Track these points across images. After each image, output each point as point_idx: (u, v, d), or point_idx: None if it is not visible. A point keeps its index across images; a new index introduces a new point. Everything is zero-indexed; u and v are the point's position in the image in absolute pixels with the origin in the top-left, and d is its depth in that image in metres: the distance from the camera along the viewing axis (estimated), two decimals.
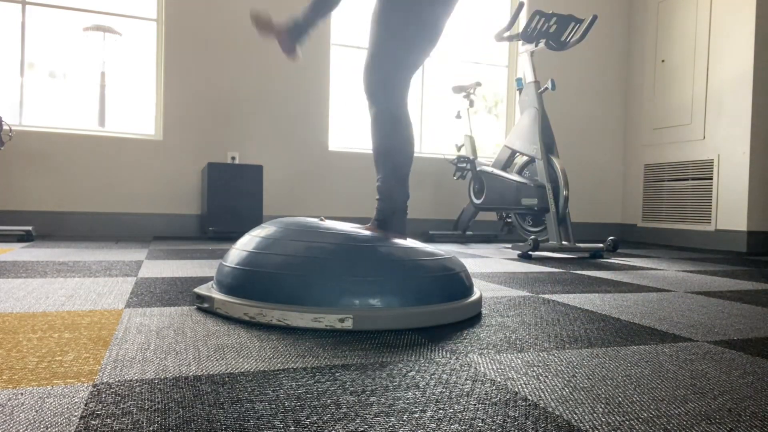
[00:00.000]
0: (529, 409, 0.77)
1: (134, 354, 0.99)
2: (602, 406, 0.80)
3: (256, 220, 3.77)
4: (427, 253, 1.40)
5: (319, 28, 4.34)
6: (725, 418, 0.76)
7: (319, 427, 0.69)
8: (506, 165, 3.81)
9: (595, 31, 5.12)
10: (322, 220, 1.51)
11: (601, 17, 5.15)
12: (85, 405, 0.74)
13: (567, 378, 0.92)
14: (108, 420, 0.69)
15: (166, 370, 0.90)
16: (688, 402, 0.82)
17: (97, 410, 0.72)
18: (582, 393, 0.85)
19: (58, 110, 3.95)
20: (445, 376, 0.91)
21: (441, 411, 0.76)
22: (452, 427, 0.70)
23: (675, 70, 4.66)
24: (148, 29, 4.09)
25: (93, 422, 0.69)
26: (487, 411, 0.76)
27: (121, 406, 0.74)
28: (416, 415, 0.74)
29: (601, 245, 3.24)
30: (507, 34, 3.35)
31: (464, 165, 4.03)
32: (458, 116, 4.24)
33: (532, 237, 3.14)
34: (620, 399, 0.83)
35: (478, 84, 4.13)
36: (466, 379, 0.90)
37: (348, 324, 1.20)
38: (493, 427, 0.71)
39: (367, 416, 0.73)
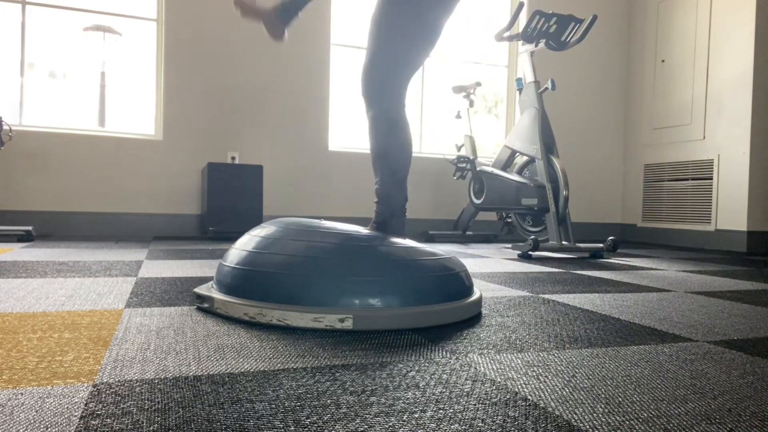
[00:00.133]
0: (529, 409, 0.77)
1: (134, 354, 0.99)
2: (602, 406, 0.80)
3: (256, 220, 3.77)
4: (427, 253, 1.40)
5: (318, 29, 4.34)
6: (725, 418, 0.76)
7: (319, 427, 0.69)
8: (506, 165, 3.81)
9: (595, 31, 5.13)
10: (321, 221, 1.51)
11: (601, 17, 5.15)
12: (85, 405, 0.74)
13: (567, 378, 0.92)
14: (108, 420, 0.69)
15: (166, 370, 0.90)
16: (688, 402, 0.82)
17: (97, 410, 0.72)
18: (582, 393, 0.85)
19: (58, 110, 3.95)
20: (445, 376, 0.91)
21: (441, 411, 0.76)
22: (452, 427, 0.70)
23: (675, 70, 4.66)
24: (148, 29, 4.09)
25: (93, 422, 0.69)
26: (487, 411, 0.76)
27: (121, 406, 0.74)
28: (416, 415, 0.74)
29: (601, 245, 3.24)
30: (507, 34, 3.35)
31: (464, 165, 4.03)
32: (458, 116, 4.24)
33: (532, 237, 3.14)
34: (620, 399, 0.83)
35: (478, 84, 4.14)
36: (466, 379, 0.90)
37: (348, 324, 1.20)
38: (493, 427, 0.71)
39: (367, 416, 0.73)
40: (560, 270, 2.50)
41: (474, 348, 1.10)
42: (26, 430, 0.66)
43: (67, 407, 0.73)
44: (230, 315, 1.29)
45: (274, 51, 4.25)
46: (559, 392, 0.85)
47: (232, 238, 3.88)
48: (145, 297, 1.54)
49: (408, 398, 0.80)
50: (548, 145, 3.38)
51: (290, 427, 0.69)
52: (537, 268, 2.53)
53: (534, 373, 0.94)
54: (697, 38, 4.45)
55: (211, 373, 0.89)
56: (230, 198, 3.69)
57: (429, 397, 0.81)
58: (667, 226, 4.71)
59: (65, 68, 3.98)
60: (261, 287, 1.28)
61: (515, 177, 3.56)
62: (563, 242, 3.27)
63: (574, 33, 3.28)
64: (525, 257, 3.07)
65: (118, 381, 0.84)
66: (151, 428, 0.67)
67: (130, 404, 0.75)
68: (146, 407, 0.74)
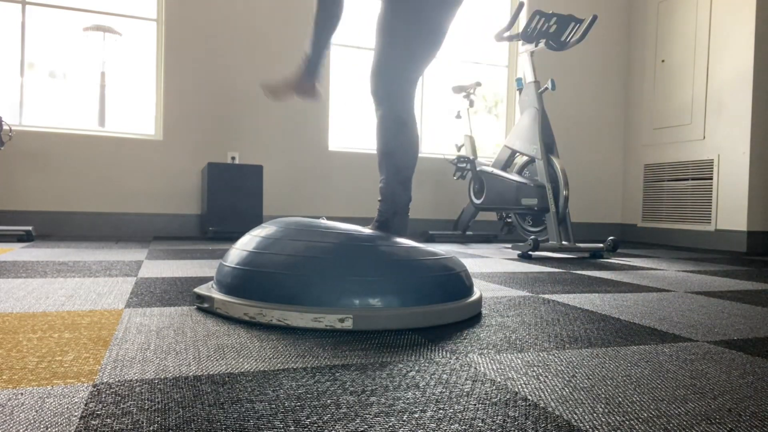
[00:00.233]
0: (529, 409, 0.77)
1: (134, 354, 0.99)
2: (602, 406, 0.80)
3: (256, 220, 3.77)
4: (427, 252, 1.40)
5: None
6: (725, 418, 0.76)
7: (319, 427, 0.69)
8: (506, 165, 3.81)
9: (595, 31, 5.12)
10: (324, 219, 1.51)
11: (601, 17, 5.15)
12: (85, 405, 0.74)
13: (567, 378, 0.92)
14: (108, 420, 0.69)
15: (166, 370, 0.90)
16: (688, 402, 0.82)
17: (97, 410, 0.72)
18: (582, 393, 0.85)
19: (58, 110, 3.95)
20: (445, 376, 0.91)
21: (441, 411, 0.76)
22: (452, 427, 0.70)
23: (675, 70, 4.66)
24: (148, 29, 4.09)
25: (93, 422, 0.69)
26: (487, 411, 0.76)
27: (121, 406, 0.74)
28: (416, 415, 0.74)
29: (601, 245, 3.23)
30: (507, 34, 3.35)
31: (464, 165, 4.03)
32: (458, 116, 4.24)
33: (532, 237, 3.14)
34: (620, 399, 0.83)
35: (478, 84, 4.14)
36: (466, 379, 0.90)
37: (348, 324, 1.20)
38: (493, 427, 0.71)
39: (367, 416, 0.73)
40: (560, 270, 2.50)
41: (474, 348, 1.10)
42: (26, 430, 0.66)
43: (67, 407, 0.73)
44: (230, 315, 1.29)
45: (274, 51, 4.25)
46: (559, 392, 0.85)
47: (232, 238, 3.88)
48: (145, 297, 1.54)
49: (408, 398, 0.80)
50: (548, 145, 3.38)
51: (290, 427, 0.69)
52: (537, 268, 2.53)
53: (534, 373, 0.94)
54: (697, 38, 4.45)
55: (211, 373, 0.89)
56: (230, 198, 3.69)
57: (429, 397, 0.81)
58: (667, 226, 4.71)
59: (65, 68, 3.98)
60: (261, 287, 1.28)
61: (515, 177, 3.56)
62: (563, 242, 3.27)
63: (574, 33, 3.28)
64: (525, 257, 3.07)
65: (118, 381, 0.84)
66: (151, 428, 0.67)
67: (130, 404, 0.75)
68: (146, 407, 0.74)
